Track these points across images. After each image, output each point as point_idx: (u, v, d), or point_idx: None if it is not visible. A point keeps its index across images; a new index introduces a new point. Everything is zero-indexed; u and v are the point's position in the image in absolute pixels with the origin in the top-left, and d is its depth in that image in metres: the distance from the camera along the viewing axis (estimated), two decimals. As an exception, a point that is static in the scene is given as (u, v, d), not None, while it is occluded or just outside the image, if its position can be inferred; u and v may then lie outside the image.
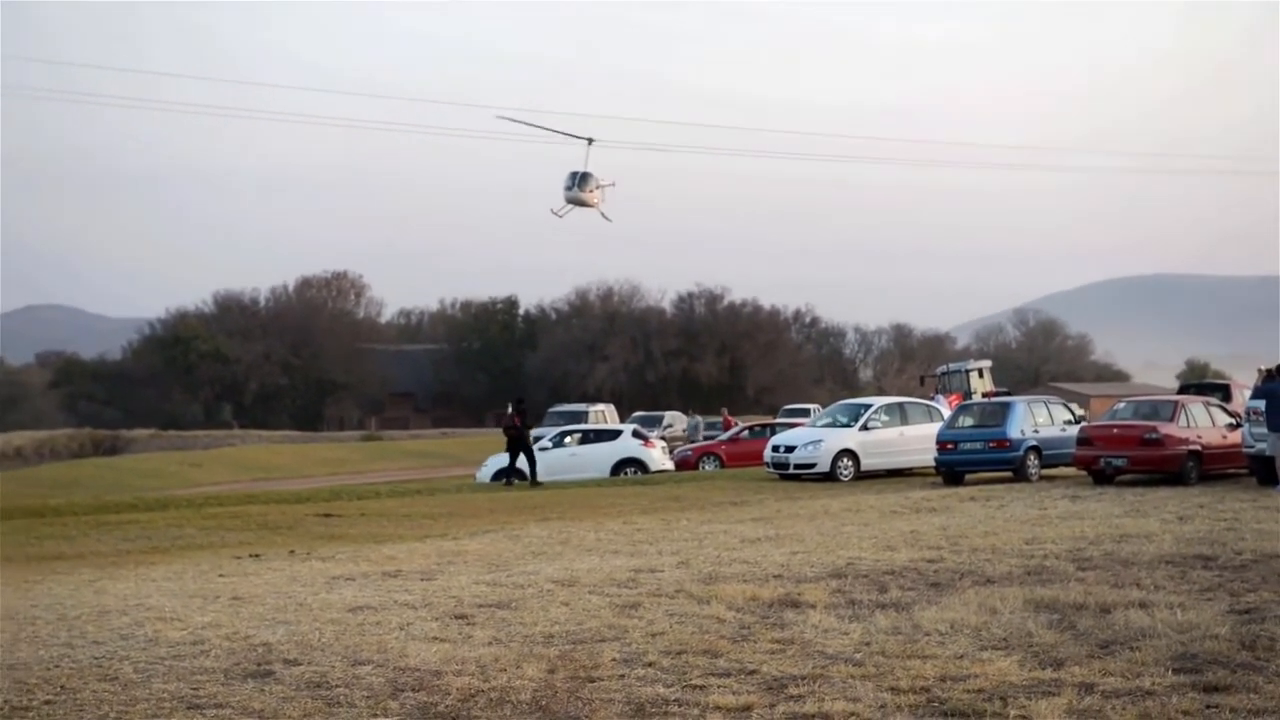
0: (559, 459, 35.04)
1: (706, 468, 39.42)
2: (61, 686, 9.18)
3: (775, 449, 32.97)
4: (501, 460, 36.61)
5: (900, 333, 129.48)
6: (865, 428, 32.50)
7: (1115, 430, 27.53)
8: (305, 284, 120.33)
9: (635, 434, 38.86)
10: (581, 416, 53.03)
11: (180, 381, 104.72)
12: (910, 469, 32.76)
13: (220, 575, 15.47)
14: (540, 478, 32.98)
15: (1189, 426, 27.09)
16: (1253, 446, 25.57)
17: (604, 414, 55.65)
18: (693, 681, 8.93)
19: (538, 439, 37.06)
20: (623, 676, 9.14)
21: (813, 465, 31.65)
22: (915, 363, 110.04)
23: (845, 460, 31.75)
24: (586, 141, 39.32)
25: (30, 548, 19.82)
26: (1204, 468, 26.84)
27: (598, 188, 39.54)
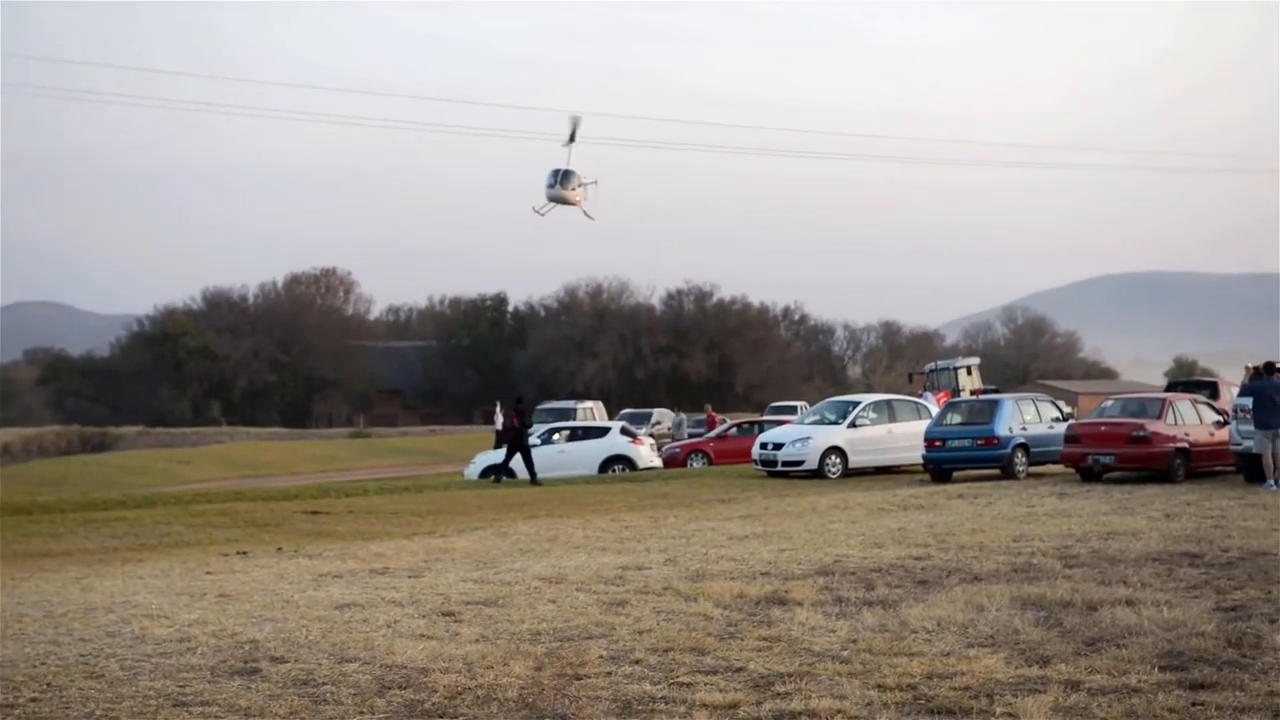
0: (547, 456, 35.01)
1: (694, 465, 39.43)
2: (48, 684, 9.16)
3: (763, 446, 32.98)
4: (489, 457, 36.73)
5: (889, 330, 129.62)
6: (853, 425, 32.52)
7: (1103, 428, 27.58)
8: (294, 281, 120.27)
9: (623, 431, 38.87)
10: (570, 414, 53.00)
11: (168, 378, 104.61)
12: (898, 466, 32.78)
13: (207, 573, 15.44)
14: (531, 475, 33.02)
15: (1176, 424, 27.13)
16: (1240, 444, 25.64)
17: (592, 411, 55.63)
18: (680, 679, 8.93)
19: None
20: (610, 674, 9.14)
21: (801, 462, 31.67)
22: (904, 360, 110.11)
23: (833, 457, 31.76)
24: (569, 139, 39.24)
25: (17, 545, 19.76)
26: (1191, 465, 26.90)
27: (580, 186, 39.49)
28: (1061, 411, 31.87)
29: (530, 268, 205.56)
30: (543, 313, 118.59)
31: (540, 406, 57.80)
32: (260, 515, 24.14)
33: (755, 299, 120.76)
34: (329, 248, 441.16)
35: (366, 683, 9.03)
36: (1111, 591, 11.96)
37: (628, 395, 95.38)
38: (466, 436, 79.12)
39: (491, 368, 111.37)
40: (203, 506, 26.27)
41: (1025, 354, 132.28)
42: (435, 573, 14.78)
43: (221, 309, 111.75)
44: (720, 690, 8.55)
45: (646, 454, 37.51)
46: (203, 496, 29.69)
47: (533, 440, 36.34)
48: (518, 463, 33.53)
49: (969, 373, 52.40)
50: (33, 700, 8.71)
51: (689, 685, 8.73)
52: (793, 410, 52.69)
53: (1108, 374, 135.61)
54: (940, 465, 29.57)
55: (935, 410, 33.90)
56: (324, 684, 9.01)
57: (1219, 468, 27.52)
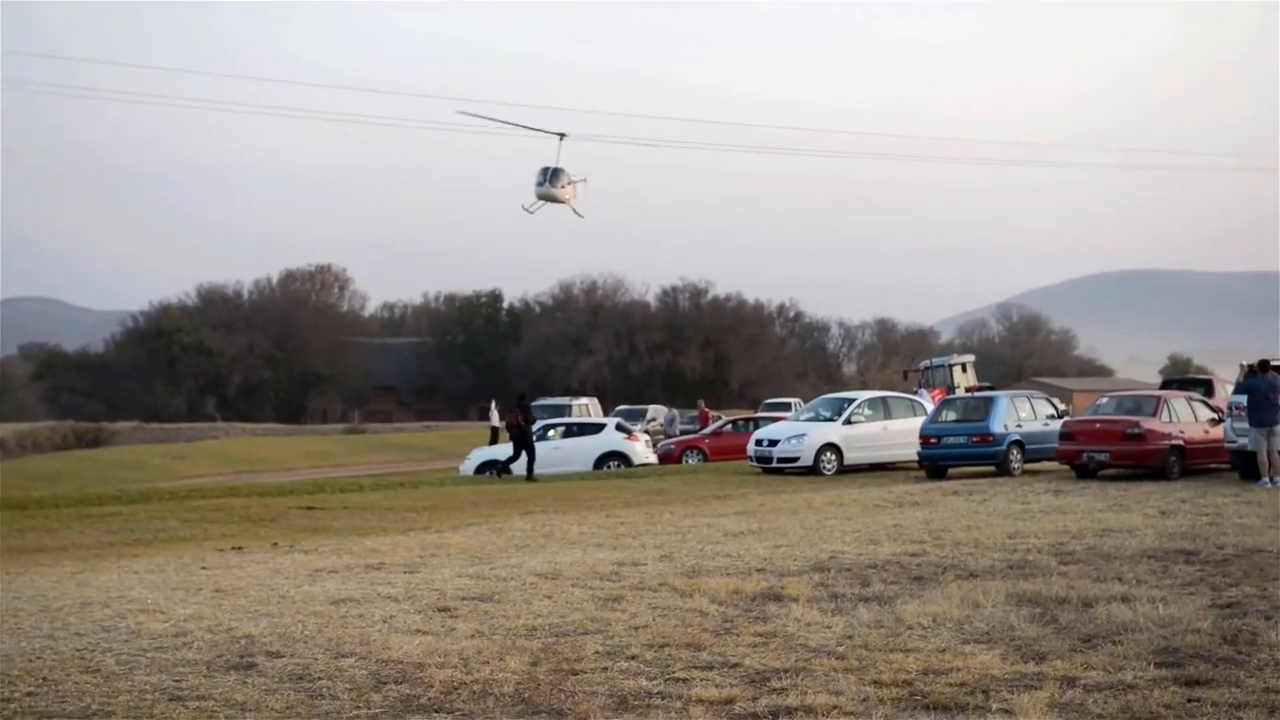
0: (543, 452, 34.98)
1: (689, 461, 39.45)
2: (43, 678, 9.15)
3: (758, 443, 33.01)
4: (485, 453, 36.83)
5: (884, 327, 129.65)
6: (848, 422, 32.55)
7: (1098, 425, 27.61)
8: (289, 277, 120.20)
9: (619, 427, 38.85)
10: (565, 410, 52.98)
11: (163, 374, 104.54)
12: (893, 463, 32.81)
13: (203, 568, 15.42)
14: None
15: (1171, 421, 27.17)
16: (1235, 441, 25.67)
17: (587, 407, 55.61)
18: (675, 674, 8.93)
19: None
20: (605, 669, 9.13)
21: (796, 459, 31.69)
22: (899, 357, 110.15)
23: (828, 454, 31.78)
24: (558, 137, 39.14)
25: (12, 540, 19.75)
26: (1186, 462, 26.94)
27: (569, 184, 39.36)
28: (1056, 409, 31.91)
29: (525, 264, 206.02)
30: (538, 309, 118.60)
31: (535, 403, 57.79)
32: (255, 510, 24.13)
33: (750, 296, 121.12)
34: (324, 244, 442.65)
35: (362, 678, 9.02)
36: (1107, 588, 11.96)
37: (623, 392, 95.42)
38: (461, 433, 79.04)
39: (486, 364, 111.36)
40: (198, 502, 26.26)
41: (1020, 351, 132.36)
42: (431, 568, 14.77)
43: (217, 305, 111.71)
44: (716, 686, 8.55)
45: (641, 450, 37.52)
46: (198, 492, 29.67)
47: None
48: (506, 458, 33.59)
49: (964, 370, 52.53)
50: (28, 694, 8.70)
51: (685, 681, 8.73)
52: (786, 407, 52.77)
53: (1103, 371, 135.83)
54: (935, 462, 29.60)
55: (930, 407, 33.92)
56: (320, 679, 9.00)
57: (1214, 465, 27.55)
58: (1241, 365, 29.09)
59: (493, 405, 56.03)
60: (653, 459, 38.03)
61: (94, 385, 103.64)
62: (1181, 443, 26.89)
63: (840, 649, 9.64)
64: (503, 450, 36.36)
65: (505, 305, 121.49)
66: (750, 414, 52.66)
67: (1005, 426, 29.44)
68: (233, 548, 17.83)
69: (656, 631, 10.44)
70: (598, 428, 39.16)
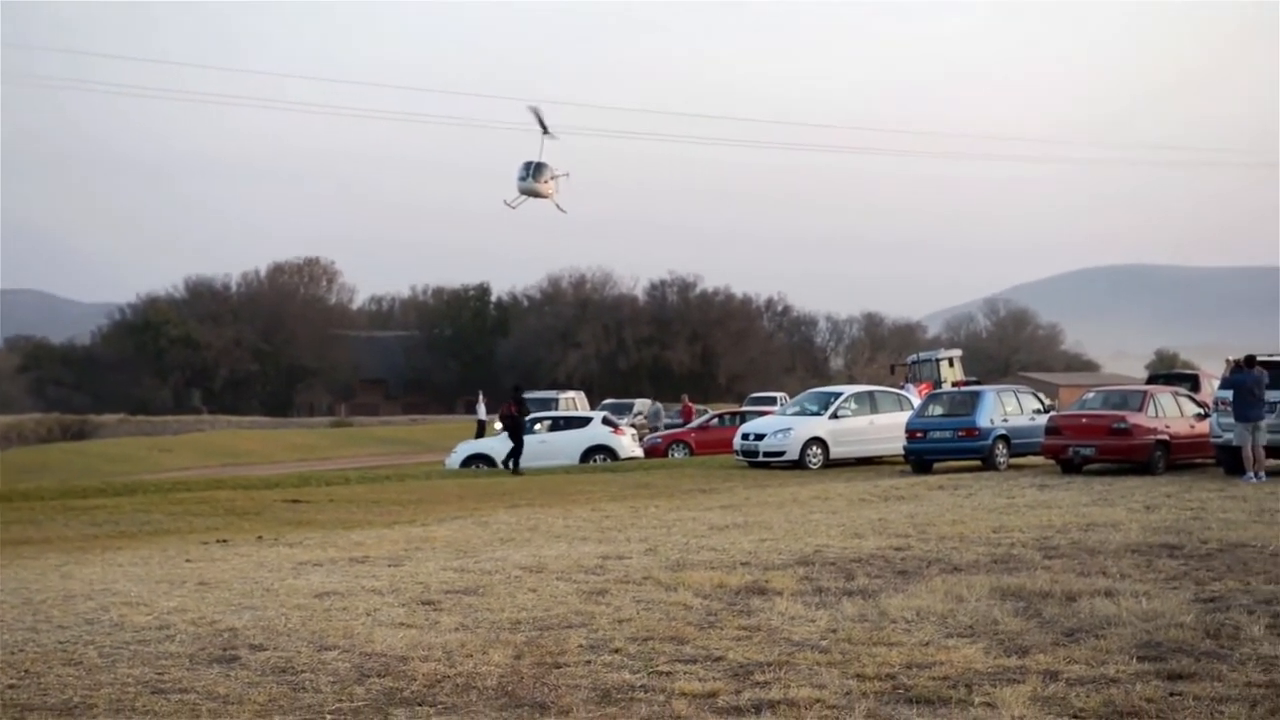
0: (529, 446, 34.98)
1: (676, 455, 39.47)
2: (26, 671, 9.12)
3: (745, 437, 33.04)
4: (471, 447, 36.93)
5: (871, 322, 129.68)
6: (835, 416, 32.59)
7: (1084, 420, 27.66)
8: (277, 270, 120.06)
9: (605, 421, 38.86)
10: (552, 404, 52.93)
11: (150, 367, 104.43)
12: (879, 457, 32.85)
13: (187, 560, 15.41)
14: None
15: (1157, 416, 27.24)
16: (1220, 437, 25.74)
17: (574, 401, 55.53)
18: (659, 668, 8.93)
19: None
20: (589, 663, 9.13)
21: (782, 453, 31.73)
22: (886, 352, 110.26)
23: (814, 448, 31.83)
24: (541, 131, 39.08)
25: (-4, 532, 19.71)
26: (1171, 457, 27.02)
27: (552, 178, 39.33)
28: (1042, 403, 31.95)
29: (513, 258, 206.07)
30: (526, 303, 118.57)
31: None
32: (240, 503, 24.11)
33: (738, 290, 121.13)
34: (312, 237, 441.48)
35: (345, 671, 9.01)
36: (1090, 582, 11.99)
37: (610, 386, 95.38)
38: (448, 426, 79.06)
39: (474, 358, 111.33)
40: (183, 495, 26.22)
41: (1007, 346, 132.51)
42: (415, 561, 14.77)
43: (204, 298, 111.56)
44: (699, 679, 8.54)
45: (628, 444, 37.53)
46: (183, 484, 29.65)
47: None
48: (497, 451, 33.56)
49: (951, 365, 52.63)
50: (10, 687, 8.67)
51: (668, 674, 8.73)
52: (773, 401, 52.78)
53: (1089, 366, 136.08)
54: (921, 456, 29.65)
55: (917, 402, 33.96)
56: (303, 672, 8.99)
57: (1199, 460, 27.64)
58: (1228, 360, 29.11)
59: (479, 398, 56.02)
60: (639, 453, 38.04)
61: (80, 378, 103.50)
62: (1167, 438, 26.96)
63: (824, 643, 9.65)
64: (488, 444, 36.39)
65: (493, 299, 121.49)
66: (737, 408, 52.69)
67: (991, 421, 29.49)
68: (217, 541, 17.82)
69: (640, 625, 10.43)
70: (584, 421, 39.15)
